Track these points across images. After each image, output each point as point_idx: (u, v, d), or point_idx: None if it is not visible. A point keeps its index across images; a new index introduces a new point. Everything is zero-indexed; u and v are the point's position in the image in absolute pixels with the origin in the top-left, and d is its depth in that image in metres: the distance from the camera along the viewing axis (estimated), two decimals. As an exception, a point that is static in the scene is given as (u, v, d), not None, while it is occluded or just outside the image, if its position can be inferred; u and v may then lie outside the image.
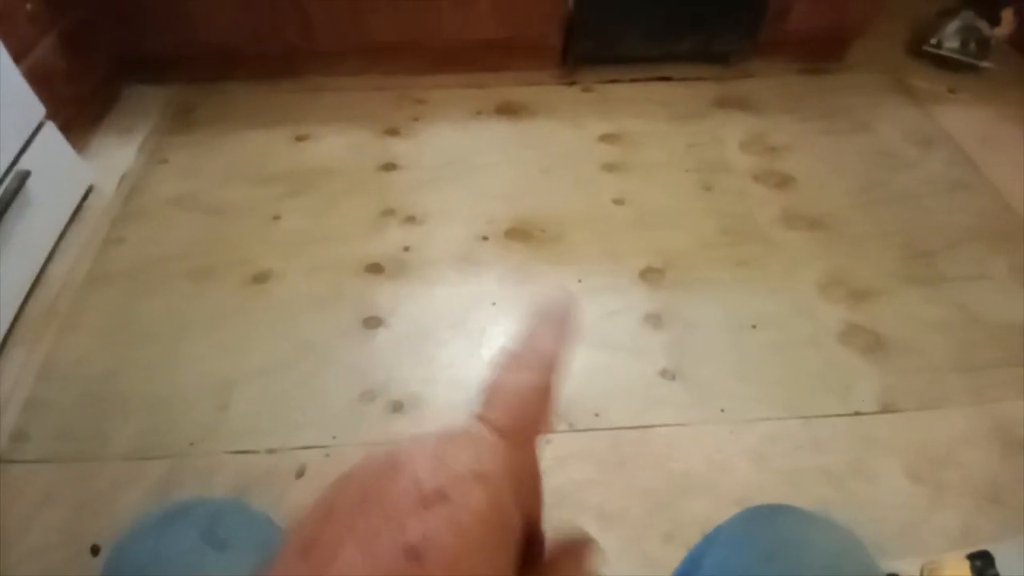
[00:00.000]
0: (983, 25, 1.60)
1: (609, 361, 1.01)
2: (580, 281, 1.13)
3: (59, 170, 1.19)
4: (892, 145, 1.42)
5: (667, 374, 1.00)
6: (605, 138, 1.43)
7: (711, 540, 0.44)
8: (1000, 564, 0.73)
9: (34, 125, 1.11)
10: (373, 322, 1.05)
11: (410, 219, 1.23)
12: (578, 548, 0.21)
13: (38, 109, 1.12)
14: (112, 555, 0.40)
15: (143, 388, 0.97)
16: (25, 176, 1.05)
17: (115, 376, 0.98)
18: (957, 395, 0.98)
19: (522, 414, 0.20)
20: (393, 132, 1.43)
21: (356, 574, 0.15)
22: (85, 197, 1.26)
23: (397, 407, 0.94)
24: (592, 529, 0.82)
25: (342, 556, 0.15)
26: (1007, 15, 1.63)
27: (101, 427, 0.93)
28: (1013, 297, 1.12)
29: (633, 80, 1.60)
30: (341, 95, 1.51)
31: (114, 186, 1.30)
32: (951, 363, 1.02)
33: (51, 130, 1.16)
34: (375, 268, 1.14)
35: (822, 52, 1.63)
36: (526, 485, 0.20)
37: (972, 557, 0.70)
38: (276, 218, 1.22)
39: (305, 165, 1.34)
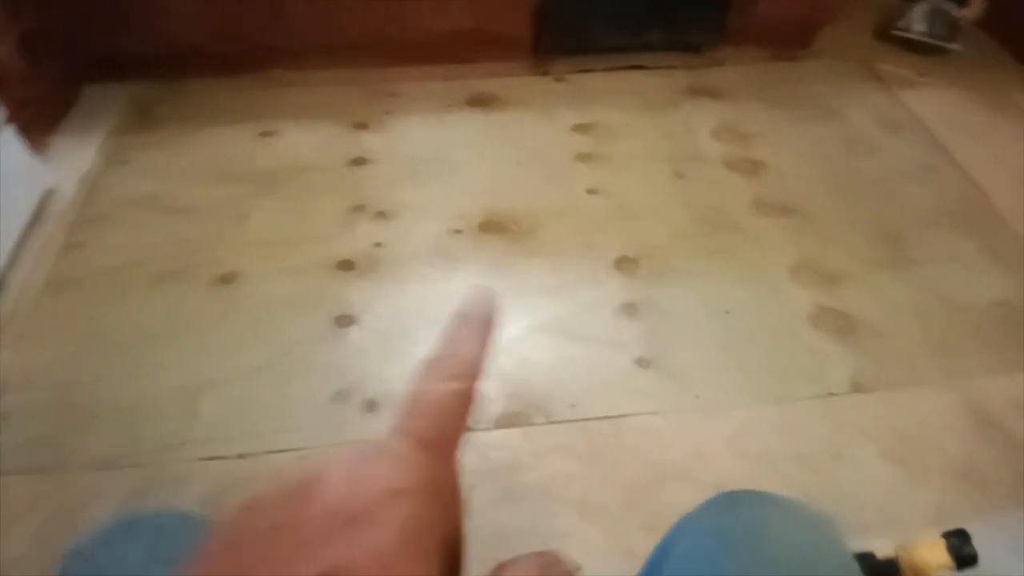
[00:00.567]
0: (951, 7, 1.61)
1: (585, 352, 1.01)
2: (555, 273, 1.12)
3: (17, 174, 1.15)
4: (861, 130, 1.43)
5: (643, 363, 0.99)
6: (578, 128, 1.42)
7: (680, 529, 0.44)
8: (976, 542, 0.73)
9: (-11, 129, 1.07)
10: (345, 320, 1.03)
11: (382, 214, 1.21)
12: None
13: (-6, 112, 1.08)
14: (58, 573, 0.38)
15: (109, 396, 0.94)
16: (-22, 181, 1.01)
17: (79, 385, 0.95)
18: (929, 375, 0.99)
19: (441, 425, 0.20)
20: (363, 126, 1.40)
21: None
22: (44, 201, 1.22)
23: (372, 406, 0.93)
24: (572, 523, 0.82)
25: None
26: (975, -4, 1.65)
27: (67, 438, 0.90)
28: (982, 278, 1.13)
29: (606, 70, 1.59)
30: (308, 90, 1.48)
31: (74, 189, 1.26)
32: (923, 344, 1.03)
33: (7, 134, 1.12)
34: (346, 265, 1.12)
35: (791, 39, 1.64)
36: (447, 498, 0.19)
37: (948, 535, 0.71)
38: (243, 217, 1.19)
39: (272, 162, 1.31)
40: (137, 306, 1.05)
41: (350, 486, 0.17)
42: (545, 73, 1.58)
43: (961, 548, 0.66)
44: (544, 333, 1.03)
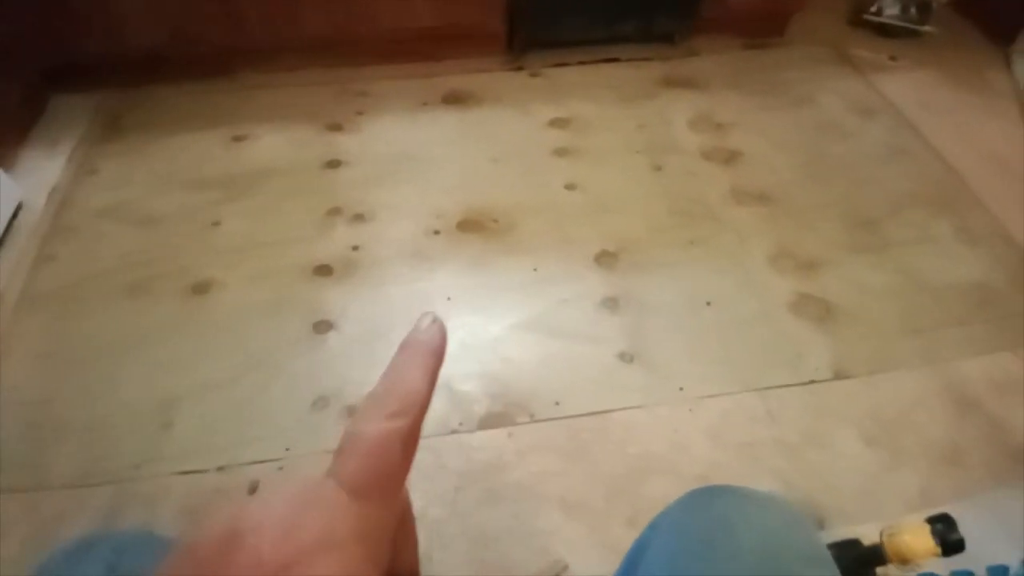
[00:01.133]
0: (923, -10, 1.62)
1: (567, 348, 1.00)
2: (535, 270, 1.11)
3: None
4: (835, 116, 1.43)
5: (625, 357, 0.99)
6: (554, 123, 1.41)
7: (655, 527, 0.44)
8: (960, 524, 0.73)
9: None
10: (323, 326, 1.02)
11: (358, 217, 1.20)
12: None
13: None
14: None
15: (82, 412, 0.92)
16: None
17: (52, 401, 0.93)
18: (908, 358, 1.00)
19: (378, 468, 0.19)
20: (336, 127, 1.38)
21: None
22: (15, 215, 1.19)
23: (353, 413, 0.91)
24: (556, 520, 0.81)
25: None
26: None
27: (41, 455, 0.88)
28: (957, 259, 1.14)
29: (580, 63, 1.58)
30: (278, 92, 1.46)
31: (44, 201, 1.23)
32: (900, 327, 1.04)
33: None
34: (323, 270, 1.10)
35: (764, 27, 1.64)
36: (387, 543, 0.18)
37: (932, 520, 0.71)
38: (215, 224, 1.17)
39: (244, 167, 1.29)
40: (110, 319, 1.03)
41: (280, 536, 0.16)
42: (520, 68, 1.57)
43: (947, 534, 0.66)
44: (526, 331, 1.02)
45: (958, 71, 1.56)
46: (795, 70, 1.56)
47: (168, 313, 1.04)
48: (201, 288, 1.07)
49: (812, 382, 0.96)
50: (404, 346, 0.21)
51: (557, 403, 0.93)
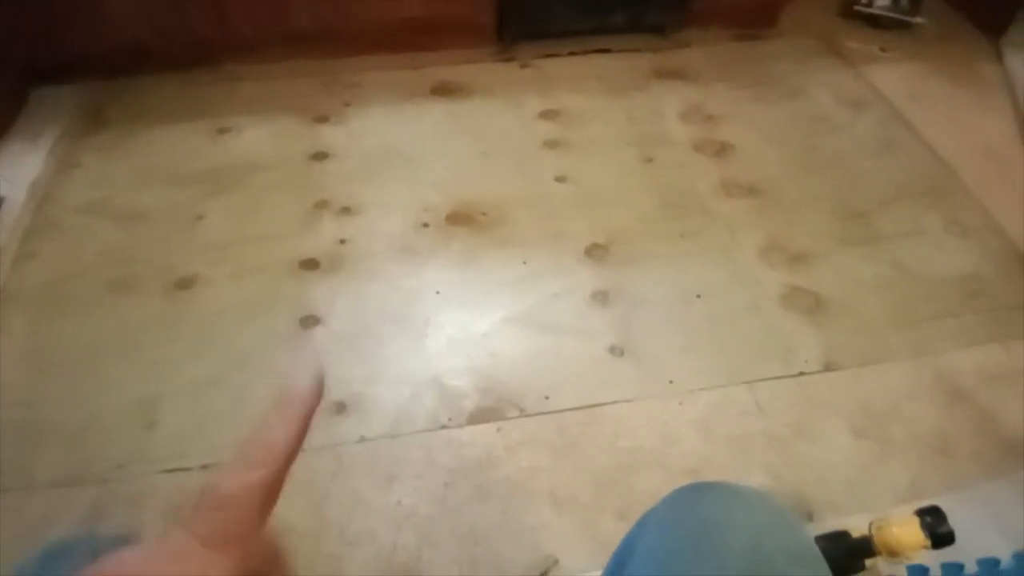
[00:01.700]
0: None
1: (557, 342, 0.99)
2: (525, 263, 1.10)
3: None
4: (825, 108, 1.43)
5: (616, 351, 0.98)
6: (544, 115, 1.40)
7: (642, 525, 0.43)
8: (950, 516, 0.73)
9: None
10: (310, 321, 1.01)
11: (345, 210, 1.18)
12: None
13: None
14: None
15: (66, 411, 0.90)
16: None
17: (35, 401, 0.91)
18: (898, 350, 1.00)
19: (235, 519, 0.19)
20: (322, 119, 1.36)
21: None
22: (-5, 211, 1.16)
23: (340, 409, 0.90)
24: (546, 515, 0.81)
25: None
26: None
27: (24, 456, 0.86)
28: (947, 250, 1.14)
29: (571, 54, 1.56)
30: (264, 84, 1.43)
31: (25, 196, 1.21)
32: (890, 319, 1.04)
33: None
34: (310, 264, 1.09)
35: (755, 19, 1.63)
36: None
37: (921, 513, 0.70)
38: (199, 219, 1.15)
39: (228, 160, 1.26)
40: (93, 317, 1.01)
41: None
42: (509, 59, 1.55)
43: (937, 526, 0.66)
44: (516, 325, 1.02)
45: (949, 63, 1.56)
46: (786, 62, 1.55)
47: (152, 310, 1.02)
48: (185, 284, 1.05)
49: (802, 374, 0.96)
50: (277, 396, 0.21)
51: (547, 397, 0.93)
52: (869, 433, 0.89)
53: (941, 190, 1.26)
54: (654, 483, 0.83)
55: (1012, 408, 0.92)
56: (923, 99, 1.46)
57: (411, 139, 1.33)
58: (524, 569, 0.76)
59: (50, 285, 1.06)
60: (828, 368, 0.96)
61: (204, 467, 0.84)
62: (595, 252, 1.12)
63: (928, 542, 0.64)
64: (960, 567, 0.59)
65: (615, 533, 0.82)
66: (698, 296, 1.05)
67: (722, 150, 1.32)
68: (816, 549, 0.37)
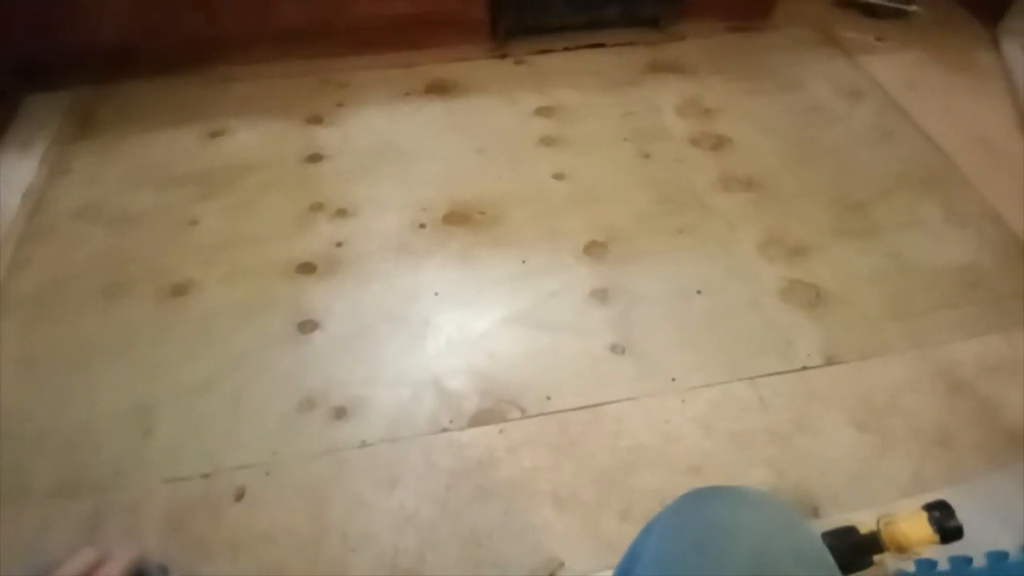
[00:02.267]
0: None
1: (558, 341, 0.99)
2: (524, 262, 1.10)
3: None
4: (822, 99, 1.42)
5: (616, 349, 0.98)
6: (540, 112, 1.39)
7: (648, 531, 0.43)
8: (955, 508, 0.73)
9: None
10: (308, 326, 1.00)
11: (341, 212, 1.17)
12: None
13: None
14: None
15: (62, 419, 0.90)
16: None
17: (30, 410, 0.90)
18: (898, 342, 0.99)
19: None
20: (316, 120, 1.35)
21: None
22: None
23: (340, 413, 0.90)
24: (548, 516, 0.80)
25: None
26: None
27: (20, 466, 0.85)
28: (946, 240, 1.14)
29: (566, 49, 1.55)
30: (255, 84, 1.42)
31: (18, 203, 1.20)
32: (890, 311, 1.03)
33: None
34: (306, 268, 1.08)
35: (750, 10, 1.62)
36: None
37: (929, 508, 0.70)
38: (193, 223, 1.14)
39: (221, 162, 1.25)
40: (88, 322, 1.00)
41: None
42: (504, 56, 1.54)
43: (945, 521, 0.65)
44: (515, 325, 1.01)
45: (945, 51, 1.55)
46: (782, 53, 1.54)
47: (147, 316, 1.01)
48: (180, 289, 1.04)
49: (803, 369, 0.95)
50: None
51: (548, 398, 0.92)
52: (870, 427, 0.89)
53: (939, 180, 1.25)
54: (656, 481, 0.83)
55: (1013, 399, 0.92)
56: (920, 88, 1.46)
57: (406, 138, 1.32)
58: (529, 571, 0.76)
59: (44, 291, 1.05)
60: (829, 362, 0.96)
61: (203, 475, 0.84)
62: (593, 249, 1.11)
63: (937, 537, 0.64)
64: (969, 560, 0.59)
65: (618, 532, 0.82)
66: (698, 292, 1.05)
67: (719, 144, 1.31)
68: (824, 549, 0.37)
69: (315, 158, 1.27)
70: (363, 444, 0.86)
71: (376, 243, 1.12)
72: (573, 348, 0.98)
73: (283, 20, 1.37)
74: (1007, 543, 0.75)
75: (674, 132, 1.34)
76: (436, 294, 1.05)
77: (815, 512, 0.80)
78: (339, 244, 1.11)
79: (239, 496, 0.82)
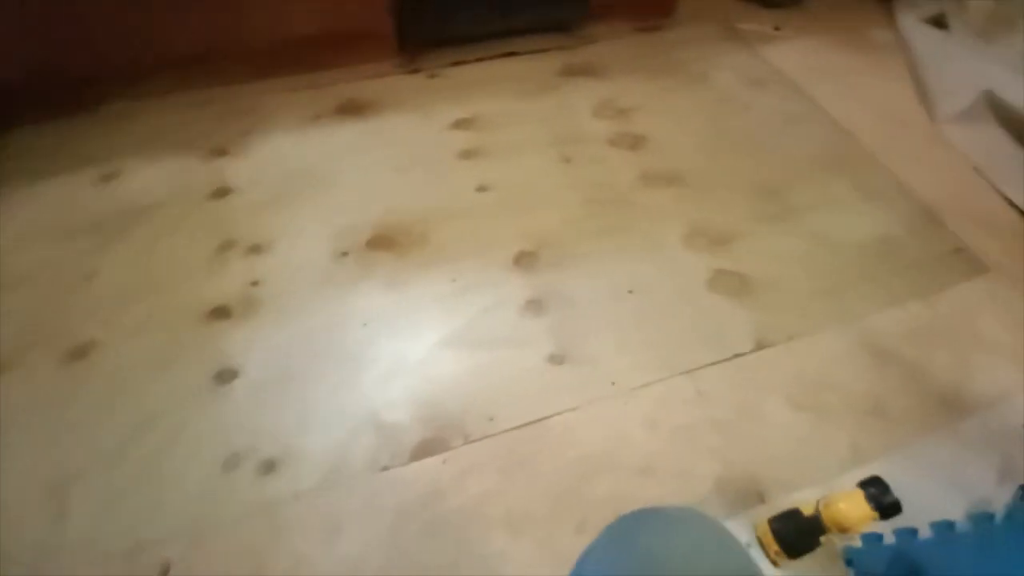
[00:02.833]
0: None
1: (495, 358, 0.96)
2: (454, 280, 1.07)
3: None
4: (730, 91, 1.46)
5: (555, 359, 0.96)
6: (458, 124, 1.36)
7: (583, 562, 0.41)
8: (892, 477, 0.74)
9: None
10: (227, 375, 0.93)
11: (255, 248, 1.10)
12: None
13: None
14: None
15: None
16: None
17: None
18: (823, 319, 1.02)
19: None
20: (220, 152, 1.28)
21: None
22: None
23: (269, 467, 0.84)
24: (502, 541, 0.77)
25: None
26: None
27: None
28: (859, 215, 1.19)
29: (479, 59, 1.54)
30: (151, 119, 1.33)
31: None
32: (814, 290, 1.06)
33: None
34: (220, 312, 1.01)
35: (654, 9, 1.66)
36: None
37: (864, 485, 0.71)
38: (89, 277, 1.05)
39: (118, 207, 1.16)
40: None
41: None
42: (416, 70, 1.51)
43: (881, 497, 0.67)
44: (450, 347, 0.98)
45: (842, 32, 1.63)
46: (688, 49, 1.58)
47: (44, 386, 0.91)
48: (79, 352, 0.95)
49: (736, 356, 0.96)
50: None
51: (491, 419, 0.89)
52: (806, 405, 0.91)
53: (846, 158, 1.31)
54: (609, 488, 0.82)
55: (938, 361, 0.96)
56: (820, 71, 1.53)
57: (320, 163, 1.27)
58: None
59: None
60: (760, 346, 0.97)
61: (126, 554, 0.76)
62: (524, 260, 1.10)
63: (876, 514, 0.65)
64: (914, 532, 0.60)
65: (575, 547, 0.79)
66: (630, 291, 1.05)
67: (637, 142, 1.33)
68: (752, 564, 0.36)
69: (222, 192, 1.20)
70: (297, 496, 0.81)
71: (296, 278, 1.06)
72: (512, 363, 0.96)
73: (174, 49, 1.29)
74: (949, 505, 0.78)
75: (593, 134, 1.34)
76: (365, 325, 1.00)
77: (761, 498, 0.81)
78: (255, 283, 1.05)
79: (164, 572, 0.75)
